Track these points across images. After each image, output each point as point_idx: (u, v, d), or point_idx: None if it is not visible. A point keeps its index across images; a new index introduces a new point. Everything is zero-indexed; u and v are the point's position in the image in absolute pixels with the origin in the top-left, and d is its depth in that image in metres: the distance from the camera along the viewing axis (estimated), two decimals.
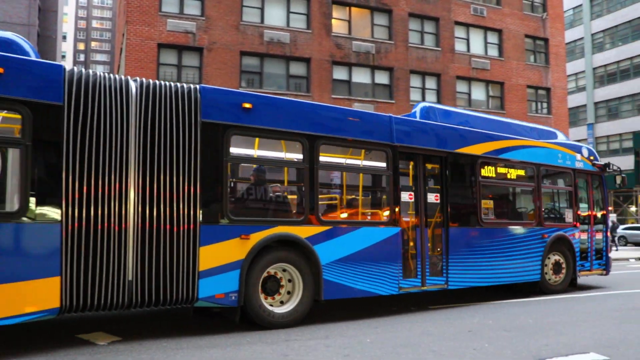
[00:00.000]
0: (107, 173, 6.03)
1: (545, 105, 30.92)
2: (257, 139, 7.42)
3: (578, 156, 11.79)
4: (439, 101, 26.84)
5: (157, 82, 6.60)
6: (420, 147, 8.79)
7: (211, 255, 6.62)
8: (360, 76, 25.73)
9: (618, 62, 48.81)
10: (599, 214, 12.22)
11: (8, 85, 5.57)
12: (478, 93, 28.85)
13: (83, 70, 6.17)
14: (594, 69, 50.84)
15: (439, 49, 27.40)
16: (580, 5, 52.12)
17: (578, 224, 11.49)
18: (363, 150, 8.42)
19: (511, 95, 29.27)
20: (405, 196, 8.66)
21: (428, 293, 9.12)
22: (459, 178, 9.38)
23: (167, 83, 6.66)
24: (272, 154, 7.92)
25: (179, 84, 6.73)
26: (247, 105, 7.11)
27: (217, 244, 6.69)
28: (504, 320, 7.89)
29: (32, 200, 5.63)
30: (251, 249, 6.86)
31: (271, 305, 7.13)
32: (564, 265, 11.07)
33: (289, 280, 7.35)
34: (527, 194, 11.25)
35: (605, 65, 50.02)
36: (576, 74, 52.08)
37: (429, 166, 9.06)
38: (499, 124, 10.90)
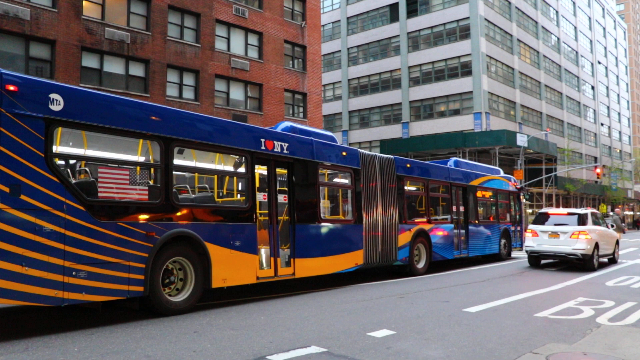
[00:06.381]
0: (373, 200, 12.82)
1: (301, 109, 32.37)
2: (421, 183, 15.21)
3: (510, 183, 20.71)
4: (196, 99, 26.34)
5: (383, 156, 13.59)
6: (458, 182, 16.80)
7: (400, 239, 13.65)
8: (113, 66, 23.79)
9: (369, 75, 53.90)
10: (518, 217, 21.11)
11: (348, 161, 12.24)
12: (237, 93, 28.84)
13: (361, 150, 12.76)
14: (349, 80, 55.42)
15: (199, 45, 26.71)
16: (339, 20, 56.39)
17: (511, 222, 20.40)
18: (440, 187, 16.22)
19: (269, 97, 29.94)
20: (459, 208, 16.77)
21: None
22: (472, 198, 17.57)
23: (385, 156, 13.68)
24: (414, 188, 15.30)
25: (389, 156, 13.82)
26: (409, 165, 14.54)
27: (402, 233, 13.74)
28: (235, 319, 7.77)
29: (356, 214, 12.28)
30: (412, 235, 14.08)
31: (416, 262, 14.44)
32: (507, 245, 19.68)
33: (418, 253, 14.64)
34: (492, 205, 19.62)
35: (358, 78, 54.85)
36: (334, 83, 56.25)
37: (460, 192, 16.97)
38: (478, 167, 19.22)
